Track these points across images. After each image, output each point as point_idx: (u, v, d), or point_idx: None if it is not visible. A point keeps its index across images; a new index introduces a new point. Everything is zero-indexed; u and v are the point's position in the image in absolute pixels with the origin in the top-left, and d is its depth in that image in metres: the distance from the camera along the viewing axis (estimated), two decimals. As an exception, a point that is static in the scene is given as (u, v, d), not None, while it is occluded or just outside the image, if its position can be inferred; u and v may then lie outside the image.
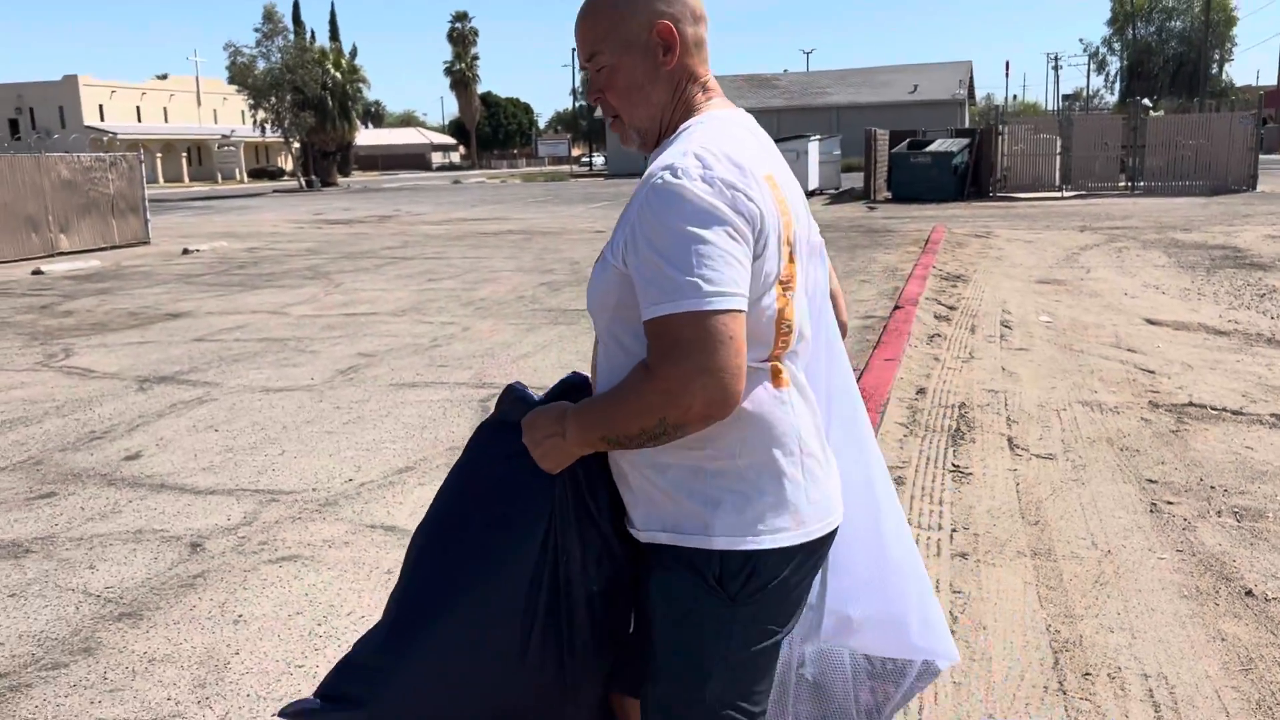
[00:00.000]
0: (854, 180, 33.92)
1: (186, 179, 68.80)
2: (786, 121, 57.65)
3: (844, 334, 1.89)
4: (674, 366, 1.36)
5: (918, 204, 24.73)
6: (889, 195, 27.37)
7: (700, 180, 1.39)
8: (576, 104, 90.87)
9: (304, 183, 51.55)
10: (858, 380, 6.36)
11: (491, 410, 1.72)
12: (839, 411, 1.76)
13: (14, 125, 63.84)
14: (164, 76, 75.65)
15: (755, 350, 1.47)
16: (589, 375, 1.71)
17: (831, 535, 1.61)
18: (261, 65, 48.90)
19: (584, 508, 1.58)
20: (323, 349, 8.37)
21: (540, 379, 6.99)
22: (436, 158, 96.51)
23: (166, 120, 70.32)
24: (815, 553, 1.58)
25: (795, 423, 1.53)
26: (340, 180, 54.90)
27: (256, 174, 72.41)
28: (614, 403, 1.46)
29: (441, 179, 63.16)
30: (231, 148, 71.04)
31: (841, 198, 28.70)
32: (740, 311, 1.37)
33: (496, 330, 9.02)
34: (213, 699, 2.98)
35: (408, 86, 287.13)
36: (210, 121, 73.74)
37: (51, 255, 17.20)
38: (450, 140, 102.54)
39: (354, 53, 54.40)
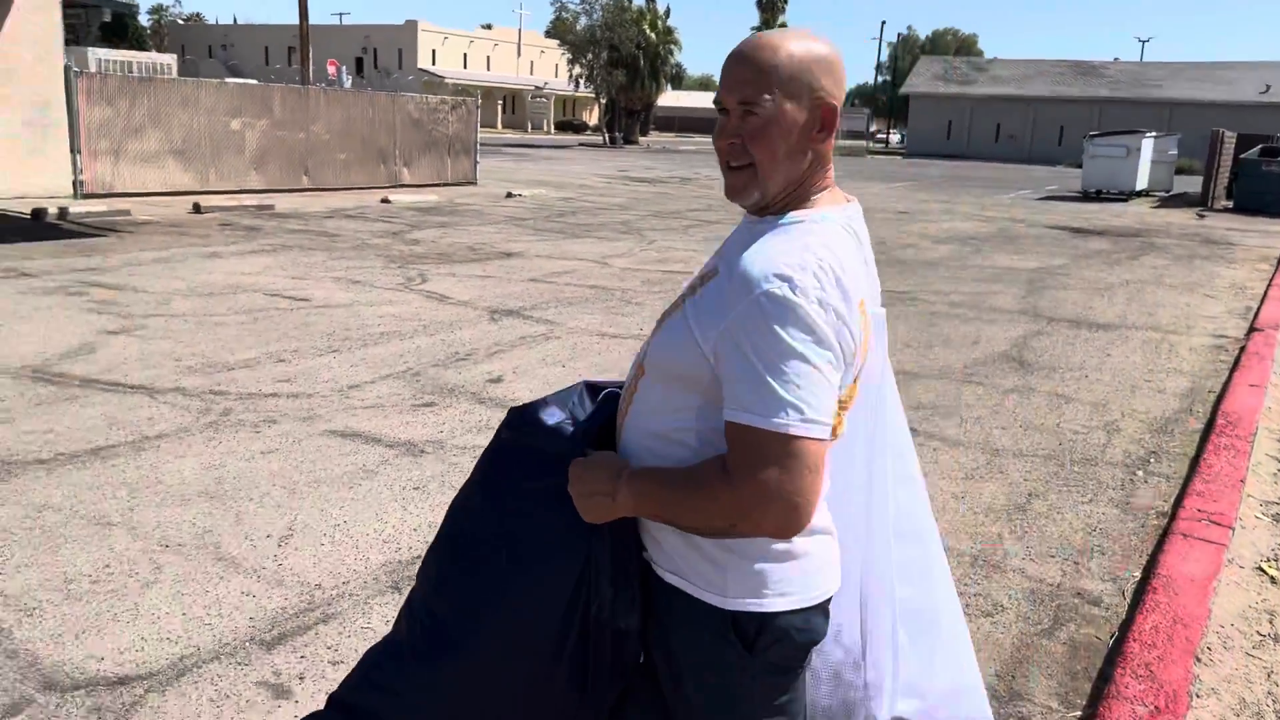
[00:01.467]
0: (1186, 184, 31.13)
1: (499, 125, 73.26)
2: (1111, 114, 53.64)
3: None
4: (756, 482, 1.36)
5: (1263, 217, 22.35)
6: (1228, 204, 24.91)
7: (816, 303, 1.37)
8: (879, 78, 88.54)
9: (608, 139, 53.56)
10: (1218, 402, 5.93)
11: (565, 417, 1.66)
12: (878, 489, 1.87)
13: (359, 64, 70.24)
14: (488, 26, 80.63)
15: None
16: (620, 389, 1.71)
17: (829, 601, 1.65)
18: (583, 22, 51.04)
19: (621, 553, 1.57)
20: (647, 302, 8.74)
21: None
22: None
23: (488, 68, 75.07)
24: (824, 613, 1.61)
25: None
26: (641, 139, 56.55)
27: (562, 126, 75.94)
28: (685, 494, 1.45)
29: (736, 145, 63.46)
30: (543, 99, 74.84)
31: (1170, 202, 26.42)
32: (826, 441, 1.40)
33: (812, 303, 9.07)
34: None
35: (709, 49, 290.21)
36: (526, 73, 78.00)
37: (394, 187, 18.90)
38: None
39: (668, 14, 55.64)
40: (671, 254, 11.97)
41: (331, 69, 31.00)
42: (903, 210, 19.64)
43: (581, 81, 52.73)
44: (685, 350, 1.45)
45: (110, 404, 5.13)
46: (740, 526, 1.40)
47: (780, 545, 1.51)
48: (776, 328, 1.35)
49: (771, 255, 1.41)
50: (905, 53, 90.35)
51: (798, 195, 1.52)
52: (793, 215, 1.50)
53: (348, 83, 28.06)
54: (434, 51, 70.57)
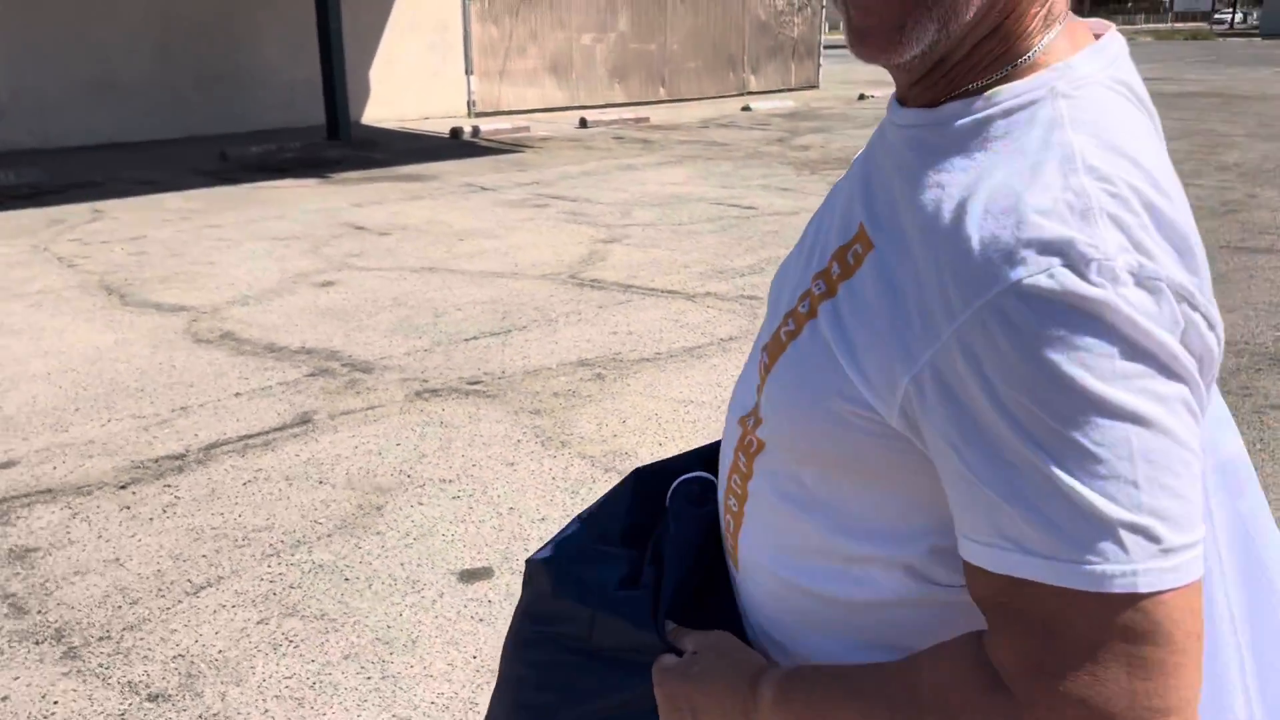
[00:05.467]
0: None
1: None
2: None
3: None
4: (1082, 705, 0.62)
5: None
6: None
7: (1134, 285, 0.62)
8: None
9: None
10: None
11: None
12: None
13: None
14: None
15: None
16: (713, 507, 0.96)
17: None
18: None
19: None
20: (1100, 203, 8.22)
21: None
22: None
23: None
24: None
25: None
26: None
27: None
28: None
29: (1054, 34, 58.67)
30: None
31: None
32: (1200, 580, 0.64)
33: (1288, 201, 8.19)
34: None
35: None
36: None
37: (742, 94, 18.89)
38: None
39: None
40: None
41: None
42: (1313, 96, 17.37)
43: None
44: (838, 413, 0.74)
45: (660, 307, 5.43)
46: None
47: None
48: (1061, 364, 0.61)
49: (998, 193, 0.67)
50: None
51: (1003, 42, 0.72)
52: (1004, 93, 0.71)
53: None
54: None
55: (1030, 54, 0.72)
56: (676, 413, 4.00)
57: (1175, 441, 0.62)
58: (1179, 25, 65.29)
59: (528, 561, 0.97)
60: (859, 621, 0.80)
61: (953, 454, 0.66)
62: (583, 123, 14.31)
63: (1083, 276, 0.61)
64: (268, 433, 3.84)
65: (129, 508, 3.26)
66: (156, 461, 3.60)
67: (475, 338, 4.94)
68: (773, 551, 0.84)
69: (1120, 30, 0.79)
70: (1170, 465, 0.62)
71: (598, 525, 0.98)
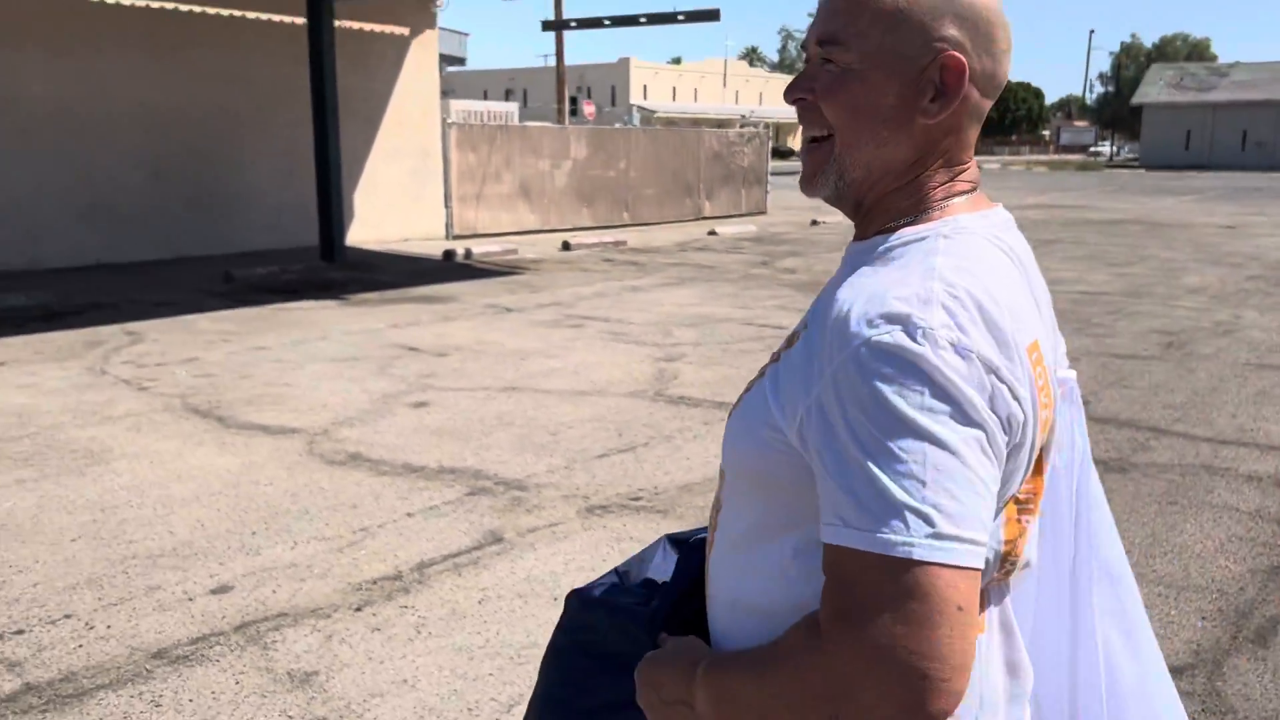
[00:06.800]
0: None
1: (708, 155, 74.49)
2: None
3: None
4: (859, 640, 0.85)
5: None
6: None
7: (952, 351, 0.90)
8: (1102, 89, 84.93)
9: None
10: None
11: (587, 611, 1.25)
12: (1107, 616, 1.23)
13: (574, 102, 72.95)
14: (677, 60, 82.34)
15: None
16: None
17: None
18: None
19: None
20: (1066, 307, 8.79)
21: None
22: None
23: (695, 100, 76.51)
24: None
25: (979, 679, 1.05)
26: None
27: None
28: (763, 677, 0.95)
29: (953, 164, 62.19)
30: (751, 127, 75.65)
31: None
32: (980, 570, 0.88)
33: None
34: None
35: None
36: (732, 102, 79.00)
37: (699, 219, 19.60)
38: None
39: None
40: (1055, 274, 11.93)
41: (589, 109, 32.76)
42: (1227, 225, 18.82)
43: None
44: (763, 438, 1.01)
45: (763, 424, 5.62)
46: (845, 713, 0.87)
47: None
48: (886, 393, 0.88)
49: (875, 288, 0.95)
50: (1131, 61, 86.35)
51: (911, 199, 1.05)
52: (906, 232, 1.03)
53: (636, 119, 29.26)
54: (645, 86, 72.53)
55: (930, 210, 1.05)
56: (850, 525, 4.17)
57: (963, 464, 0.87)
58: (1067, 156, 70.16)
59: (569, 593, 1.27)
60: (768, 628, 1.01)
61: (818, 458, 0.92)
62: (566, 245, 14.66)
63: (912, 338, 0.90)
64: (468, 551, 3.87)
65: (379, 630, 3.26)
66: (375, 583, 3.60)
67: (605, 455, 5.05)
68: (724, 575, 1.09)
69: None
70: (953, 477, 0.87)
71: (626, 573, 1.29)
